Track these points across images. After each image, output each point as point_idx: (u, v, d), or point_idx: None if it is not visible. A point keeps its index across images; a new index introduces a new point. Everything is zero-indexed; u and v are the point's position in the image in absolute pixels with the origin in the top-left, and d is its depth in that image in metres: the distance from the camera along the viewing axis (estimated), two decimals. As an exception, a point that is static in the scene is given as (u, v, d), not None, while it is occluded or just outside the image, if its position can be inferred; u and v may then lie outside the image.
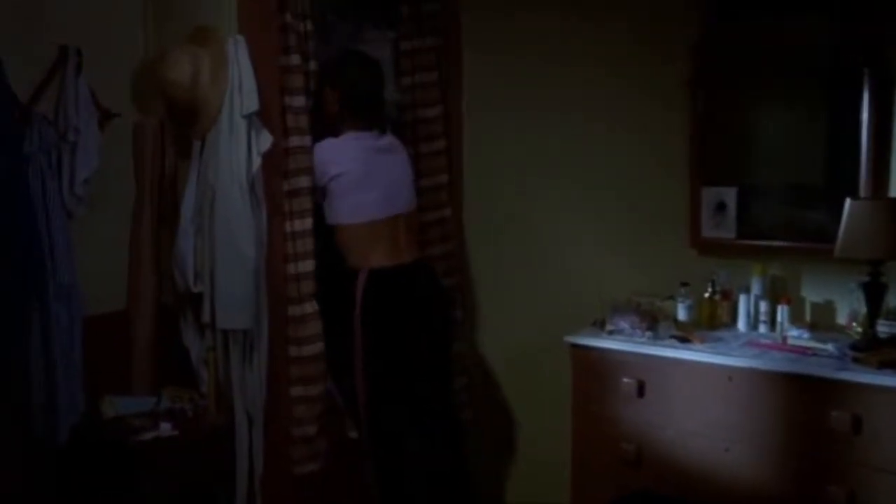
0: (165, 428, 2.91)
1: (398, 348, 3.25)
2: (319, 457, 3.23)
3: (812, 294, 3.21)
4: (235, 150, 2.94)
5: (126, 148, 3.26)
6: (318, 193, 3.26)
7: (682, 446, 2.97)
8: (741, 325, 3.21)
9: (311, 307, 3.20)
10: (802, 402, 2.75)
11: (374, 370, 3.23)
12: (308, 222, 3.20)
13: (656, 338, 3.10)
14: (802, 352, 2.85)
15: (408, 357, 3.28)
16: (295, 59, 3.11)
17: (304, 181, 3.18)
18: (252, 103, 2.94)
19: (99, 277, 3.14)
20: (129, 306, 3.28)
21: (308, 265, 3.20)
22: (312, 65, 3.27)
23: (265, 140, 3.00)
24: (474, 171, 3.98)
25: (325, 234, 3.30)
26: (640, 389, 3.05)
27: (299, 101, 3.14)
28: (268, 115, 3.04)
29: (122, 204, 3.25)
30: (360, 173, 3.24)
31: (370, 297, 3.22)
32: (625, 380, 3.07)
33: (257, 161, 2.98)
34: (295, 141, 3.15)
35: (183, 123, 3.14)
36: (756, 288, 3.22)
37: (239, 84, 2.94)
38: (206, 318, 3.04)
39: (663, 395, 3.01)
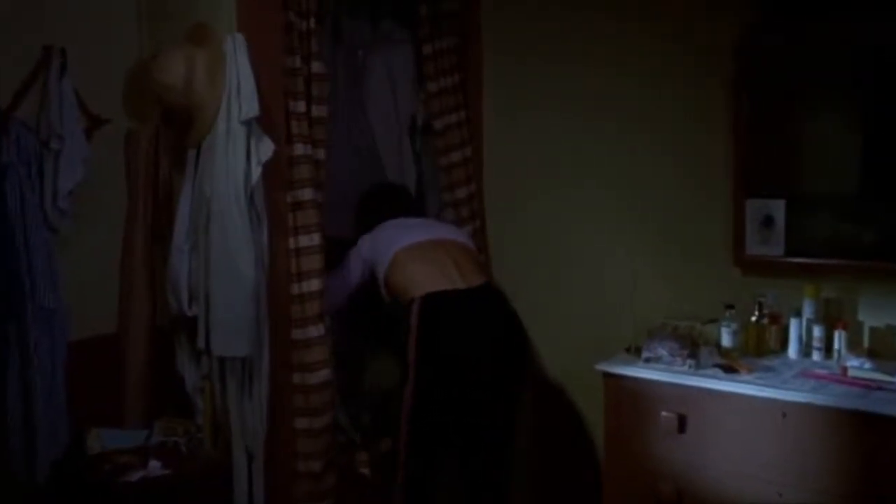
0: (155, 466, 2.64)
1: (456, 386, 2.92)
2: (327, 496, 2.95)
3: (871, 318, 2.89)
4: (233, 159, 2.68)
5: (117, 157, 3.02)
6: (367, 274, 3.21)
7: (727, 489, 2.66)
8: (792, 352, 2.90)
9: (316, 330, 2.93)
10: (868, 442, 2.44)
11: (425, 410, 2.92)
12: (315, 238, 2.94)
13: (698, 366, 2.79)
14: (866, 385, 2.54)
15: (467, 398, 2.94)
16: (299, 60, 2.84)
17: (309, 193, 2.91)
18: (251, 108, 2.68)
19: (87, 298, 2.89)
20: (120, 330, 3.03)
21: (314, 284, 2.94)
22: (317, 66, 2.99)
23: (266, 148, 2.73)
24: (495, 182, 3.71)
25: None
26: (681, 424, 2.74)
27: (303, 105, 2.87)
28: (269, 120, 2.78)
29: (112, 218, 3.01)
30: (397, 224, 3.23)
31: (427, 323, 2.91)
32: (664, 413, 2.77)
33: (257, 171, 2.71)
34: (299, 149, 2.88)
35: (178, 130, 2.88)
36: (808, 311, 2.90)
37: (237, 87, 2.67)
38: (200, 343, 2.76)
39: (707, 430, 2.71)
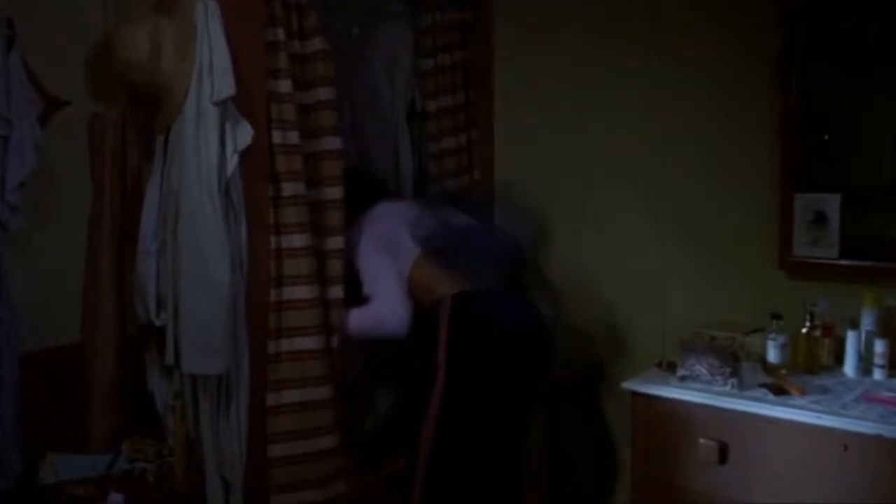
0: (116, 500, 2.30)
1: (488, 391, 2.61)
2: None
3: (941, 330, 2.51)
4: (205, 146, 2.32)
5: (80, 144, 2.66)
6: None
7: (777, 530, 2.29)
8: (849, 369, 2.53)
9: (312, 342, 2.58)
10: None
11: (455, 417, 2.60)
12: (303, 239, 2.58)
13: (742, 386, 2.42)
14: (945, 413, 2.17)
15: (497, 404, 2.63)
16: (283, 33, 2.49)
17: (295, 188, 2.56)
18: (226, 87, 2.31)
19: (46, 304, 2.56)
20: (84, 339, 2.68)
21: (302, 291, 2.58)
22: (317, 43, 2.63)
23: (244, 133, 2.37)
24: (507, 174, 3.33)
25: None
26: (722, 454, 2.37)
27: (287, 86, 2.51)
28: (248, 102, 2.42)
29: (74, 214, 2.66)
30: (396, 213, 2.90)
31: (458, 324, 2.61)
32: (702, 441, 2.40)
33: (233, 160, 2.35)
34: (283, 137, 2.52)
35: (147, 113, 2.53)
36: (868, 322, 2.53)
37: (209, 62, 2.31)
38: (169, 359, 2.42)
39: (752, 462, 2.34)
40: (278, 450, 2.52)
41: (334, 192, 2.67)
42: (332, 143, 2.66)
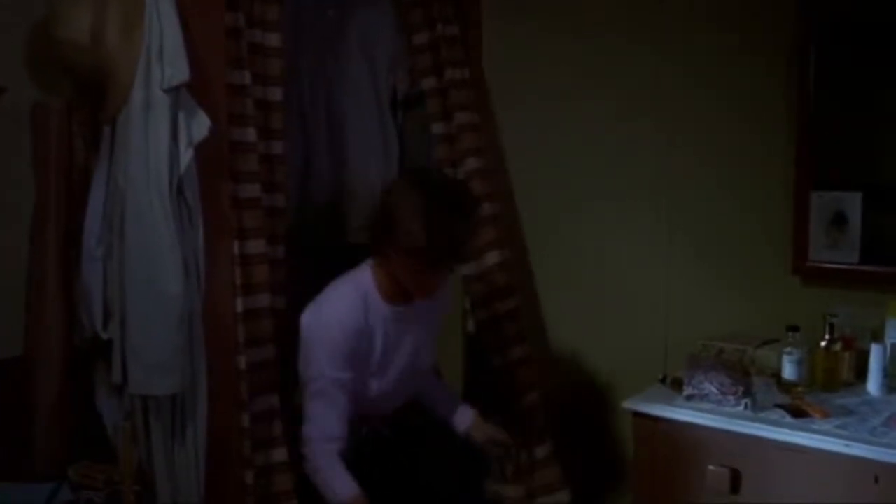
0: (54, 538, 2.04)
1: None
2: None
3: (975, 344, 2.28)
4: (153, 138, 2.07)
5: (21, 137, 2.40)
6: None
7: (796, 569, 2.05)
8: (873, 387, 2.29)
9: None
10: None
11: None
12: (265, 245, 2.33)
13: (756, 407, 2.18)
14: None
15: None
16: (243, 20, 2.24)
17: (251, 190, 2.31)
18: (178, 71, 2.06)
19: (-17, 315, 2.29)
20: (27, 353, 2.42)
21: (273, 300, 2.33)
22: (274, 39, 2.38)
23: (200, 125, 2.12)
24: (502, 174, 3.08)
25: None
26: (734, 482, 2.14)
27: (246, 77, 2.27)
28: (204, 92, 2.17)
29: (15, 215, 2.40)
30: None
31: None
32: (711, 467, 2.16)
33: (187, 155, 2.10)
34: (244, 134, 2.26)
35: (94, 102, 2.27)
36: (893, 333, 2.30)
37: (159, 44, 2.06)
38: (116, 377, 2.16)
39: (768, 492, 2.10)
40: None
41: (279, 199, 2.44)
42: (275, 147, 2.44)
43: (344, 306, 2.27)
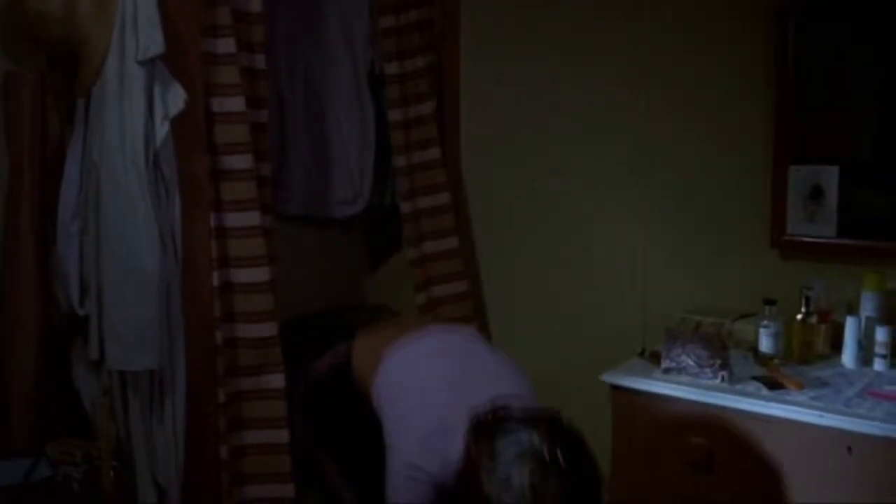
0: (32, 514, 2.03)
1: None
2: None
3: (949, 317, 2.30)
4: (128, 111, 2.04)
5: (-8, 110, 2.35)
6: None
7: (771, 538, 2.08)
8: (848, 359, 2.31)
9: (266, 329, 2.34)
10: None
11: None
12: (252, 217, 2.32)
13: (733, 380, 2.20)
14: (959, 411, 1.95)
15: None
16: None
17: (240, 161, 2.29)
18: (153, 43, 2.03)
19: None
20: (3, 329, 2.38)
21: (256, 274, 2.32)
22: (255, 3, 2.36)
23: (175, 98, 2.09)
24: (474, 147, 3.06)
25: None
26: (711, 454, 2.15)
27: (228, 45, 2.23)
28: (181, 63, 2.14)
29: (-12, 190, 2.36)
30: None
31: None
32: (688, 439, 2.18)
33: (163, 128, 2.07)
34: (223, 104, 2.24)
35: (68, 74, 2.23)
36: (868, 307, 2.31)
37: (133, 14, 2.02)
38: (94, 353, 2.15)
39: (744, 464, 2.11)
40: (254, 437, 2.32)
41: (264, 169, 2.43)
42: (260, 115, 2.42)
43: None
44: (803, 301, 2.35)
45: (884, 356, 2.25)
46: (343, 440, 2.29)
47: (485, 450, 1.76)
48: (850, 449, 1.96)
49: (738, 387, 2.17)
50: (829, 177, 2.43)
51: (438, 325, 2.41)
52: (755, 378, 2.21)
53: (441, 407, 1.94)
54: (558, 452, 1.68)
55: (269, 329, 2.37)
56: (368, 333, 2.30)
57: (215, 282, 2.26)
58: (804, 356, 2.34)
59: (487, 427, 1.80)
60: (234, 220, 2.32)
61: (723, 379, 2.20)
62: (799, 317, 2.35)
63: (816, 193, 2.46)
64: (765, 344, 2.32)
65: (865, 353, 2.29)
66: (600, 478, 1.75)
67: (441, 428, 1.89)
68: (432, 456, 1.87)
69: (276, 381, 2.37)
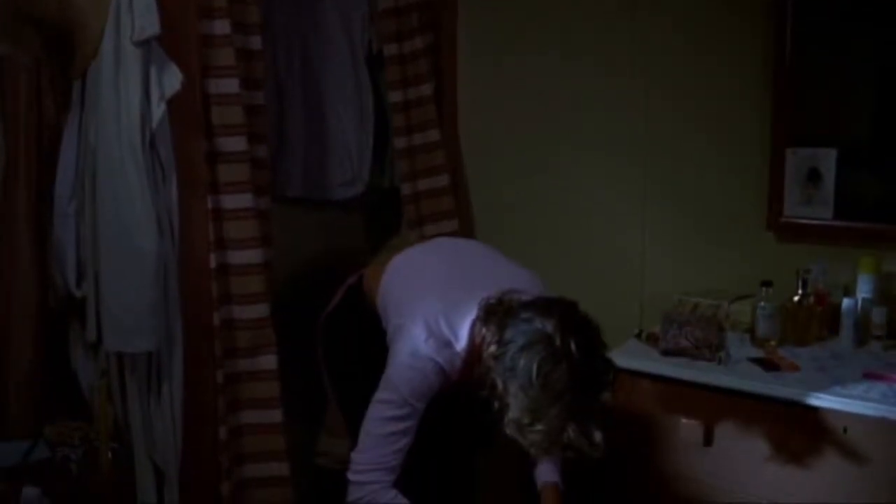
0: (31, 495, 2.03)
1: None
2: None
3: (946, 299, 2.31)
4: (124, 92, 2.03)
5: (-12, 93, 2.34)
6: None
7: (766, 519, 2.09)
8: (844, 341, 2.31)
9: (258, 311, 2.34)
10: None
11: None
12: (247, 199, 2.32)
13: (729, 361, 2.20)
14: (954, 392, 1.96)
15: None
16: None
17: (237, 143, 2.28)
18: (149, 23, 2.02)
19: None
20: (1, 311, 2.38)
21: (250, 256, 2.32)
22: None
23: (172, 79, 2.09)
24: (472, 130, 3.06)
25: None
26: (707, 436, 2.16)
27: (224, 26, 2.22)
28: (176, 44, 2.13)
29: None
30: None
31: None
32: (684, 421, 2.18)
33: (160, 110, 2.07)
34: (219, 86, 2.23)
35: (63, 57, 2.22)
36: (864, 289, 2.32)
37: (129, -4, 2.01)
38: (91, 335, 2.15)
39: (740, 445, 2.12)
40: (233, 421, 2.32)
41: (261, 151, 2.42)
42: (256, 97, 2.42)
43: (439, 346, 1.86)
44: (800, 283, 2.35)
45: (880, 338, 2.26)
46: (348, 367, 2.20)
47: (495, 335, 1.74)
48: (845, 430, 1.97)
49: (735, 368, 2.18)
50: (827, 159, 2.43)
51: (450, 237, 2.35)
52: (752, 359, 2.21)
53: (448, 292, 1.89)
54: (571, 341, 1.67)
55: (262, 310, 2.37)
56: (379, 255, 2.25)
57: (212, 264, 2.26)
58: (801, 338, 2.34)
59: (498, 313, 1.78)
60: (230, 202, 2.32)
61: (719, 360, 2.21)
62: (796, 299, 2.35)
63: (814, 176, 2.45)
64: (761, 326, 2.33)
65: (861, 334, 2.30)
66: (611, 368, 1.75)
67: (448, 313, 1.84)
68: (439, 344, 1.83)
69: (270, 362, 2.38)
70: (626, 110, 2.76)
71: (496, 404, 1.73)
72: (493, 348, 1.74)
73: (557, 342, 1.67)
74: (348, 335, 2.18)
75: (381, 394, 1.87)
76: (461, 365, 1.86)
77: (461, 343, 1.84)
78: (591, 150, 2.85)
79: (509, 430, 1.73)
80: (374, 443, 1.86)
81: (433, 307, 1.87)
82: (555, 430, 1.67)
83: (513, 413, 1.70)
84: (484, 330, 1.79)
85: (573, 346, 1.67)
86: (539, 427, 1.67)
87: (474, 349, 1.82)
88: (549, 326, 1.70)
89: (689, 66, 2.64)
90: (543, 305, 1.78)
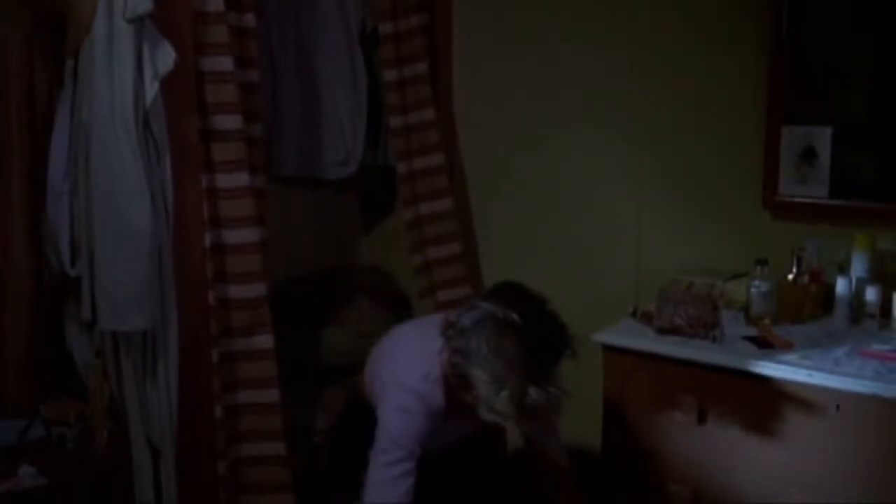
0: (28, 474, 2.05)
1: None
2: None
3: (940, 277, 2.32)
4: (117, 71, 2.02)
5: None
6: None
7: (758, 496, 2.11)
8: (838, 319, 2.32)
9: (253, 290, 2.34)
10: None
11: None
12: (242, 177, 2.31)
13: (723, 340, 2.21)
14: (947, 370, 1.97)
15: None
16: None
17: (231, 121, 2.27)
18: (141, 1, 2.00)
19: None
20: (-5, 292, 2.39)
21: (246, 235, 2.32)
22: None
23: (165, 57, 2.07)
24: (467, 109, 3.05)
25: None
26: (701, 413, 2.17)
27: (217, 4, 2.20)
28: (169, 22, 2.11)
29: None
30: None
31: None
32: (679, 398, 2.20)
33: (153, 88, 2.06)
34: (212, 64, 2.21)
35: (55, 34, 2.21)
36: (859, 267, 2.32)
37: (121, -27, 1.99)
38: (86, 314, 2.15)
39: (734, 422, 2.13)
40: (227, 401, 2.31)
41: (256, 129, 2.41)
42: (251, 75, 2.39)
43: (421, 377, 1.97)
44: (795, 261, 2.36)
45: (873, 315, 2.26)
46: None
47: (455, 338, 1.89)
48: (838, 407, 1.98)
49: (729, 346, 2.19)
50: (822, 138, 2.42)
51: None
52: (746, 337, 2.22)
53: (416, 349, 2.04)
54: (513, 313, 1.82)
55: (258, 290, 2.37)
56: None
57: (207, 243, 2.25)
58: (795, 316, 2.35)
59: (454, 325, 1.92)
60: (224, 180, 2.31)
61: (714, 338, 2.21)
62: (790, 277, 2.36)
63: (809, 154, 2.45)
64: (756, 304, 2.33)
65: (856, 312, 2.30)
66: (563, 332, 1.88)
67: (419, 360, 1.98)
68: (417, 378, 1.95)
69: (266, 341, 2.38)
70: (622, 89, 2.74)
71: (470, 398, 1.87)
72: (453, 344, 1.89)
73: (501, 316, 1.82)
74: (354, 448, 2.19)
75: (376, 445, 1.95)
76: (442, 390, 1.96)
77: (435, 370, 1.95)
78: (587, 129, 2.84)
79: (484, 414, 1.87)
80: (376, 490, 1.92)
81: (409, 363, 2.02)
82: (517, 395, 1.80)
83: (480, 392, 1.83)
84: (446, 344, 1.92)
85: (516, 317, 1.81)
86: (504, 395, 1.80)
87: (445, 366, 1.93)
88: (491, 306, 1.86)
89: (685, 44, 2.63)
90: (486, 294, 1.96)
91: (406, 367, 2.01)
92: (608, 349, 2.32)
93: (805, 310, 2.37)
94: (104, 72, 2.01)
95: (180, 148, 2.17)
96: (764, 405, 2.09)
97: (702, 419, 2.17)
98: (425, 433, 1.95)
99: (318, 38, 2.92)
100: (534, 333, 1.82)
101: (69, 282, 2.28)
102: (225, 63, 2.26)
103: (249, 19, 2.37)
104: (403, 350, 2.09)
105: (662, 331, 2.28)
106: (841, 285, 2.31)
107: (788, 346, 2.15)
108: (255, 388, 2.39)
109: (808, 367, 2.02)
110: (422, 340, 2.04)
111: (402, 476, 1.91)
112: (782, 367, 2.05)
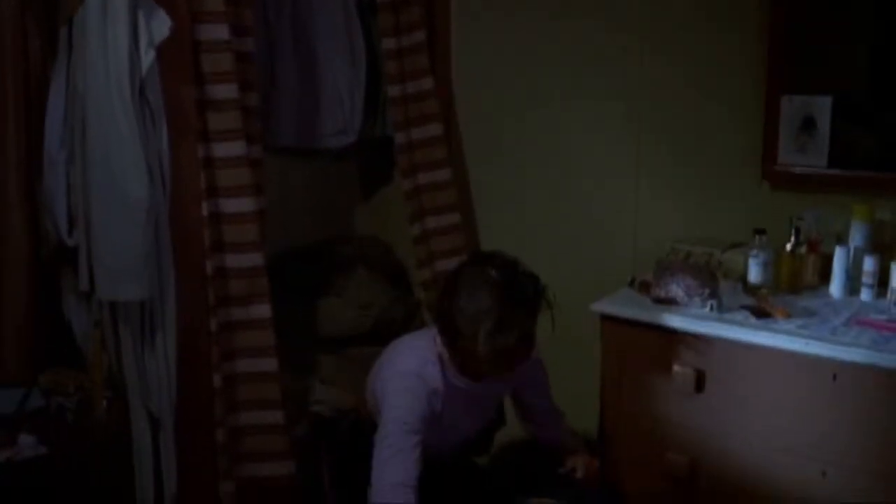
0: (27, 443, 2.06)
1: None
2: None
3: (937, 246, 2.31)
4: (112, 39, 2.01)
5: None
6: None
7: (755, 464, 2.12)
8: (835, 289, 2.32)
9: (250, 260, 2.33)
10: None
11: None
12: (238, 147, 2.29)
13: (721, 309, 2.21)
14: (943, 339, 1.97)
15: None
16: None
17: (227, 90, 2.25)
18: (135, -31, 1.98)
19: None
20: (-8, 262, 2.38)
21: (243, 204, 2.31)
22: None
23: (160, 25, 2.06)
24: (465, 79, 3.03)
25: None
26: (699, 382, 2.18)
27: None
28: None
29: (-28, 119, 2.32)
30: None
31: None
32: (676, 368, 2.20)
33: (149, 56, 2.04)
34: (208, 32, 2.19)
35: (47, 2, 2.19)
36: (857, 237, 2.32)
37: (114, -62, 1.97)
38: (83, 284, 2.15)
39: (731, 391, 2.14)
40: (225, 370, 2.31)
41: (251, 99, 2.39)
42: (246, 44, 2.37)
43: (419, 362, 2.06)
44: (793, 231, 2.35)
45: (870, 285, 2.26)
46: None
47: (439, 296, 2.04)
48: (834, 376, 1.98)
49: (727, 315, 2.18)
50: (822, 107, 2.41)
51: None
52: (744, 307, 2.22)
53: (412, 345, 2.16)
54: (490, 268, 1.96)
55: (255, 259, 2.36)
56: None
57: (204, 212, 2.24)
58: (793, 286, 2.35)
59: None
60: (221, 150, 2.29)
61: (712, 308, 2.21)
62: (788, 247, 2.35)
63: (808, 124, 2.44)
64: (754, 273, 2.33)
65: (853, 282, 2.30)
66: (536, 284, 2.00)
67: (416, 350, 2.10)
68: (419, 361, 2.05)
69: (263, 311, 2.38)
70: (621, 58, 2.72)
71: (457, 358, 2.01)
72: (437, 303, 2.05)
73: (479, 272, 1.97)
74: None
75: (381, 430, 1.97)
76: (440, 371, 2.05)
77: (432, 355, 2.06)
78: (585, 99, 2.82)
79: (473, 363, 1.98)
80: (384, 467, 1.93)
81: (404, 355, 2.13)
82: (492, 331, 1.91)
83: (465, 342, 1.95)
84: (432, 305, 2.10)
85: (493, 272, 1.95)
86: (481, 338, 1.91)
87: (440, 347, 2.05)
88: (470, 267, 2.03)
89: (684, 13, 2.60)
90: (467, 260, 2.13)
91: (404, 358, 2.10)
92: (606, 319, 2.32)
93: (803, 279, 2.37)
94: (99, 40, 2.00)
95: (177, 117, 2.16)
96: (761, 374, 2.09)
97: (699, 388, 2.18)
98: (428, 415, 1.99)
99: (315, 6, 2.89)
100: (509, 286, 1.95)
101: (66, 251, 2.28)
102: (221, 31, 2.24)
103: None
104: (401, 350, 2.17)
105: (660, 300, 2.28)
106: (839, 255, 2.31)
107: (786, 316, 2.15)
108: (254, 356, 2.40)
109: (805, 337, 2.02)
110: (418, 339, 2.19)
111: (411, 448, 1.93)
112: (780, 336, 2.05)
